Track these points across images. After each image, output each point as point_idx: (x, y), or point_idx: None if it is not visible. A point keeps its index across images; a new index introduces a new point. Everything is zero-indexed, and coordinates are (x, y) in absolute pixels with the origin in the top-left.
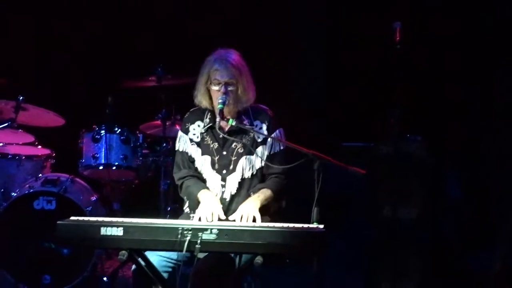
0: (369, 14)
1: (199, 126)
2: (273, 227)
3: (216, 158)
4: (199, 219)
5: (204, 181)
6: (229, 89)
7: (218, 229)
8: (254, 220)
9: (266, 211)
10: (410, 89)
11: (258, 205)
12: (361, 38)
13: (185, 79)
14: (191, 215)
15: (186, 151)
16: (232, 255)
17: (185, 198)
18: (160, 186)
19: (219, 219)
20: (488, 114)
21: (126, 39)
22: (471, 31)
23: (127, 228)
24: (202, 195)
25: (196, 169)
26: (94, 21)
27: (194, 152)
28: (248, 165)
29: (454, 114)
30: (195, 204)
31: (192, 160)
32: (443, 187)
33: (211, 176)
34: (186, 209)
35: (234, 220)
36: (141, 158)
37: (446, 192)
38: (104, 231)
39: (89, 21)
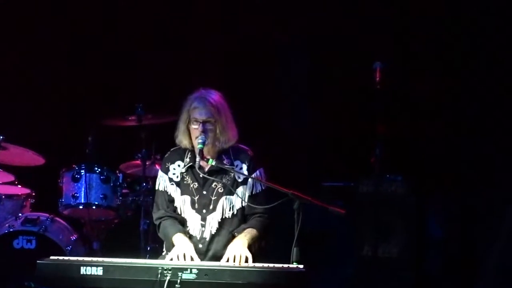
0: (351, 53)
1: (179, 166)
2: (253, 267)
3: (196, 198)
4: (171, 259)
5: (182, 221)
6: (207, 128)
7: (198, 269)
8: (246, 260)
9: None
10: (391, 128)
11: (246, 245)
12: (343, 77)
13: (165, 118)
14: (166, 255)
15: (166, 190)
16: None
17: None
18: (140, 226)
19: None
20: (469, 152)
21: (106, 78)
22: (450, 67)
23: (107, 267)
24: (176, 238)
25: (175, 209)
26: (75, 60)
27: (174, 191)
28: (228, 205)
29: (435, 152)
30: (170, 246)
31: (171, 200)
32: (424, 225)
33: (190, 215)
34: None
35: (227, 261)
36: (121, 198)
37: (428, 231)
38: (84, 270)
39: (69, 59)
